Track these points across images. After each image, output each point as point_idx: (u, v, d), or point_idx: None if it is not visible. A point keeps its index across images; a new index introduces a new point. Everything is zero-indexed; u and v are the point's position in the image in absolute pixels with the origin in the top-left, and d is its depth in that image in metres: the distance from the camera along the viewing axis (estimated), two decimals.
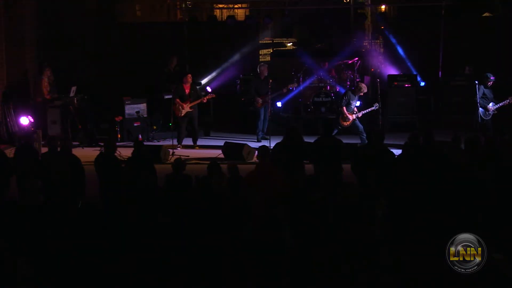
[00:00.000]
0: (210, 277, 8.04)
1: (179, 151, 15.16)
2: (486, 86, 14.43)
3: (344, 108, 14.58)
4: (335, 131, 14.22)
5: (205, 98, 15.89)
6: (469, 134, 11.16)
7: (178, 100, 15.40)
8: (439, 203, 9.31)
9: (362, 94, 14.86)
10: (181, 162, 9.98)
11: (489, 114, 14.38)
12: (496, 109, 14.38)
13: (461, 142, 10.58)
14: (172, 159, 13.84)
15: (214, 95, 16.94)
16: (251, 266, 8.18)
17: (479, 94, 14.36)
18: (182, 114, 15.44)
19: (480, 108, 14.35)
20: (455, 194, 9.20)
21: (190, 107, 15.45)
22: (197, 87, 17.05)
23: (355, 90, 14.81)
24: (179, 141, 15.59)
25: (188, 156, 14.80)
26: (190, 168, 10.55)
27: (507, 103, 14.34)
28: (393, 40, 18.97)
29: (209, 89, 17.85)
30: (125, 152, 12.98)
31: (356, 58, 17.96)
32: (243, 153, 14.17)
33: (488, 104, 14.35)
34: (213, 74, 19.00)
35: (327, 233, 8.87)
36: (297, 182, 9.78)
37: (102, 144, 12.71)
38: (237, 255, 8.36)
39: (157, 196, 9.62)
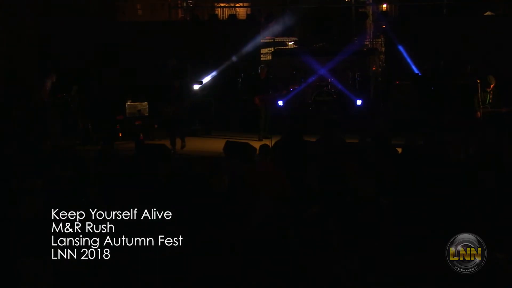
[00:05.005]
0: (210, 276, 8.03)
1: (181, 150, 15.18)
2: (483, 90, 14.34)
3: None
4: None
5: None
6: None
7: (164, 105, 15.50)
8: (439, 203, 9.29)
9: None
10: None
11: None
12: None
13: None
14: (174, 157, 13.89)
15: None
16: (252, 266, 8.15)
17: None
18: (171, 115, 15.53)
19: None
20: (455, 193, 9.17)
21: (175, 109, 15.46)
22: (199, 85, 17.07)
23: None
24: (181, 140, 15.57)
25: (189, 155, 14.82)
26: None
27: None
28: (395, 39, 18.96)
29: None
30: (126, 151, 12.96)
31: (358, 57, 17.94)
32: (245, 152, 14.14)
33: None
34: (214, 73, 19.00)
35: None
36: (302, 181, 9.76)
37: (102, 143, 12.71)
38: (238, 254, 8.33)
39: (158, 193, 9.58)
